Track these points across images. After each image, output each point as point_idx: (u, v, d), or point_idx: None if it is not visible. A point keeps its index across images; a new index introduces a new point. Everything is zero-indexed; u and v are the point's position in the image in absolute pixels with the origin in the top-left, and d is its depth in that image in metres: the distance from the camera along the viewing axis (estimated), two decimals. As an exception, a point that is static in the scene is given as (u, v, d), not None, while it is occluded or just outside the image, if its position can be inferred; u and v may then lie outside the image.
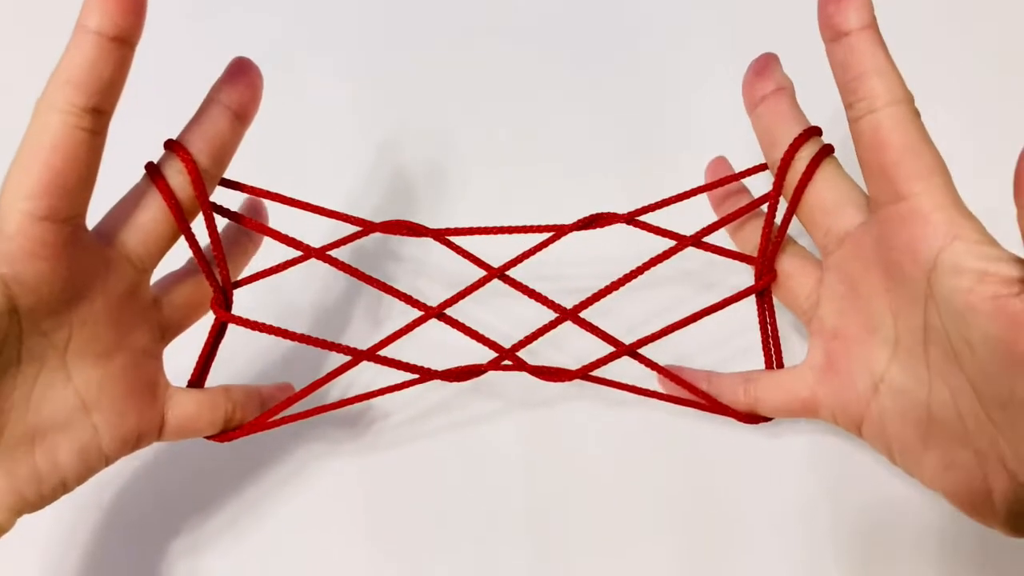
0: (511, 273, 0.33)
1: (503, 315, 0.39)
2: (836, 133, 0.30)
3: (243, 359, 0.39)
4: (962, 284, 0.24)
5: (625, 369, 0.33)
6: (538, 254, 0.33)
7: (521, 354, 0.33)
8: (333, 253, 0.32)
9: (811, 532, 0.36)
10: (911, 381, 0.27)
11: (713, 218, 0.34)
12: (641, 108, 0.46)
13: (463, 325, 0.33)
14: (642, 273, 0.32)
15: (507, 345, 0.33)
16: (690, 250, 0.32)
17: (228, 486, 0.39)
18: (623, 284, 0.32)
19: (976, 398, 0.24)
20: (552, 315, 0.33)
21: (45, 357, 0.26)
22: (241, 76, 0.29)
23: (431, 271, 0.42)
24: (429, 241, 0.42)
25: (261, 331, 0.31)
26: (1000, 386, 0.23)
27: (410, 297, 0.32)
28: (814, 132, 0.30)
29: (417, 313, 0.32)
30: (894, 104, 0.26)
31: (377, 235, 0.32)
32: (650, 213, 0.32)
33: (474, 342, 0.33)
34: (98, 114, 0.24)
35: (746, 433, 0.38)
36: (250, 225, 0.31)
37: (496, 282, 0.33)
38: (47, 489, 0.26)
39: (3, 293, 0.24)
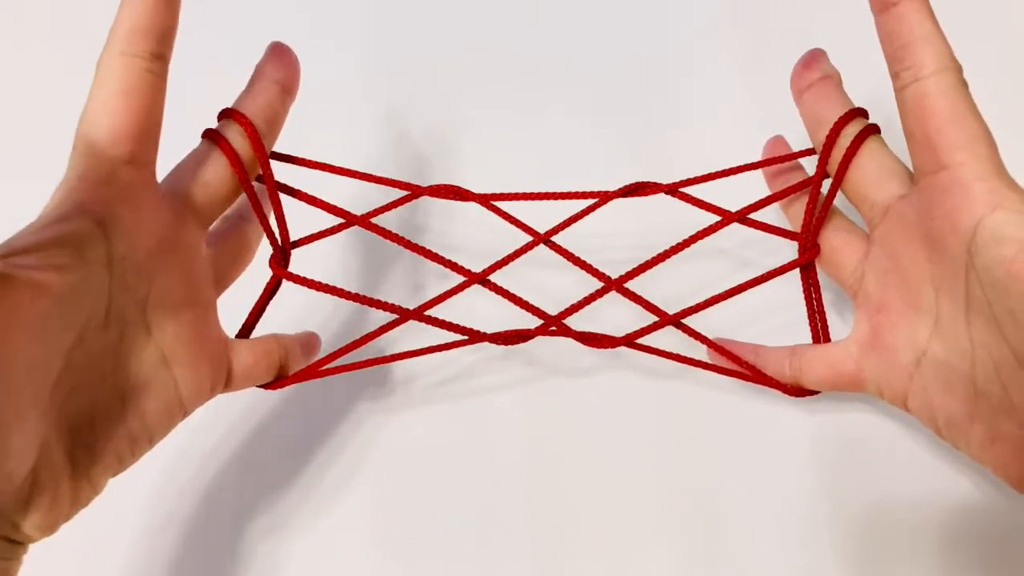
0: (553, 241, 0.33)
1: (530, 288, 0.38)
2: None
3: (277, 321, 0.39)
4: (1004, 254, 0.23)
5: (663, 344, 0.33)
6: (571, 227, 0.32)
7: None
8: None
9: (811, 531, 0.36)
10: (954, 354, 0.26)
11: (751, 194, 0.34)
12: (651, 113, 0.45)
13: (507, 292, 0.32)
14: (688, 246, 0.32)
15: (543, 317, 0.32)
16: (727, 228, 0.32)
17: (285, 469, 0.38)
18: (669, 256, 0.32)
19: (1020, 369, 0.24)
20: (592, 285, 0.32)
21: (127, 312, 0.26)
22: (283, 56, 0.31)
23: (457, 243, 0.42)
24: (453, 214, 0.42)
25: (316, 289, 0.31)
26: None
27: (454, 263, 0.32)
28: (859, 113, 0.30)
29: (455, 280, 0.32)
30: (941, 72, 0.26)
31: (399, 210, 0.33)
32: (692, 186, 0.32)
33: (502, 312, 0.32)
34: (161, 60, 0.26)
35: (746, 432, 0.38)
36: (298, 195, 0.31)
37: (528, 254, 0.33)
38: (137, 447, 0.26)
39: (100, 240, 0.24)
